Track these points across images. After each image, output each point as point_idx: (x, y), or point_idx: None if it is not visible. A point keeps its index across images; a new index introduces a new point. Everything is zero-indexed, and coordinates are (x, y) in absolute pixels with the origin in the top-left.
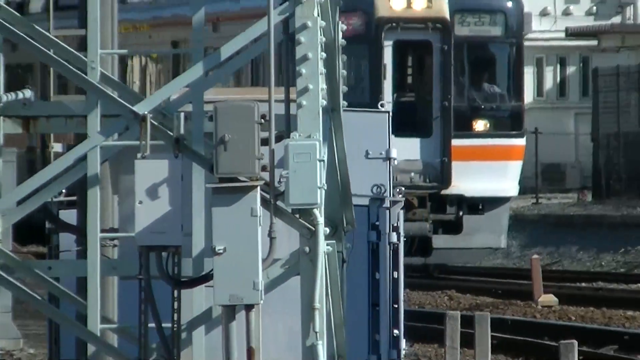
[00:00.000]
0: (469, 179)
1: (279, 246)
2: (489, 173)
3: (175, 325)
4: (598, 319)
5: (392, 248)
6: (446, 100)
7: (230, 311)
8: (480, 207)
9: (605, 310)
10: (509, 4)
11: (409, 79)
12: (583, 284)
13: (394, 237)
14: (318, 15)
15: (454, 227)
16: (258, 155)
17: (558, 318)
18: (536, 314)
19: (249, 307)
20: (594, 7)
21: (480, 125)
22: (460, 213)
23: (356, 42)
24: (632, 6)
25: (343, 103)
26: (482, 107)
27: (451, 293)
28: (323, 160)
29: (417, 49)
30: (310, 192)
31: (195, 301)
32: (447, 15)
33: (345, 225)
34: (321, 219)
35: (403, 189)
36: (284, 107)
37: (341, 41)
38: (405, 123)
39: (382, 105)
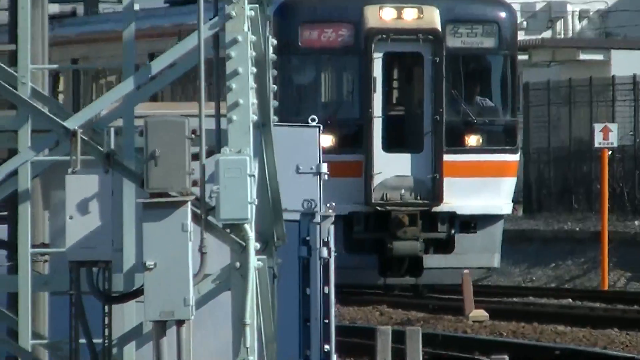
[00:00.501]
0: (461, 196)
1: (209, 261)
2: (482, 190)
3: (106, 341)
4: (529, 334)
5: (322, 263)
6: (438, 114)
7: (161, 326)
8: (473, 225)
9: (536, 325)
10: (503, 15)
11: (400, 92)
12: (514, 299)
13: (324, 252)
14: (248, 30)
15: (446, 246)
16: (189, 170)
17: (489, 333)
18: (467, 329)
19: (179, 323)
20: (525, 22)
21: (472, 140)
22: (452, 231)
23: (345, 54)
24: (562, 20)
25: (274, 118)
26: (475, 121)
27: (382, 308)
28: (253, 176)
29: (407, 61)
30: (240, 207)
31: (126, 316)
32: (439, 26)
33: (276, 240)
34: (252, 234)
35: (333, 204)
36: (214, 122)
37: (272, 56)
38: (395, 138)
39: (312, 120)
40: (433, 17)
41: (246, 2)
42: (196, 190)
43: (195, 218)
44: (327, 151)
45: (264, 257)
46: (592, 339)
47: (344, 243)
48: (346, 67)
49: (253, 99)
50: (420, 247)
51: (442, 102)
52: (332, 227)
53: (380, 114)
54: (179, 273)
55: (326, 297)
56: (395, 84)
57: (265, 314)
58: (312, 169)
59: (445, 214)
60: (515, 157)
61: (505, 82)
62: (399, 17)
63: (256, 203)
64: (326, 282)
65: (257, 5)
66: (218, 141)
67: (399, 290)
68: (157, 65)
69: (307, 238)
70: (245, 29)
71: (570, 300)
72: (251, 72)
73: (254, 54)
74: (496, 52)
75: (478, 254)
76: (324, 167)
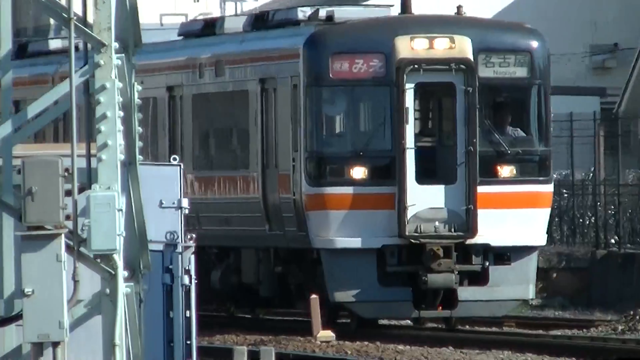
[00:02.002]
0: (495, 228)
1: (82, 288)
2: (515, 221)
3: None
4: (372, 352)
5: (184, 289)
6: (471, 145)
7: (38, 348)
8: (507, 256)
9: (378, 344)
10: (535, 44)
11: (431, 123)
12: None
13: (186, 280)
14: (115, 77)
15: (480, 278)
16: (62, 205)
17: (336, 352)
18: (315, 349)
19: (55, 344)
20: None
21: (506, 171)
22: (487, 263)
23: (376, 85)
24: None
25: (139, 157)
26: (509, 152)
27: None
28: (121, 210)
29: (439, 91)
30: (110, 239)
31: (6, 339)
32: (471, 56)
33: (142, 268)
34: (120, 263)
35: (194, 235)
36: (85, 161)
37: (137, 101)
38: (427, 169)
39: (174, 159)
40: (465, 47)
41: (113, 51)
42: (69, 223)
43: (69, 249)
44: (359, 183)
45: (132, 284)
46: (430, 357)
47: (377, 276)
48: (378, 98)
49: (120, 140)
50: (455, 279)
51: (475, 133)
52: (192, 257)
53: (412, 145)
54: (54, 299)
55: (188, 320)
56: (427, 114)
57: (133, 336)
58: (174, 203)
59: (479, 245)
60: (549, 188)
61: (538, 112)
62: (431, 47)
63: (124, 235)
64: (188, 306)
65: (124, 55)
66: (89, 179)
67: (430, 322)
68: (33, 110)
69: (170, 267)
70: (113, 76)
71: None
72: (118, 116)
73: (120, 99)
74: (529, 82)
75: (512, 285)
76: (185, 202)
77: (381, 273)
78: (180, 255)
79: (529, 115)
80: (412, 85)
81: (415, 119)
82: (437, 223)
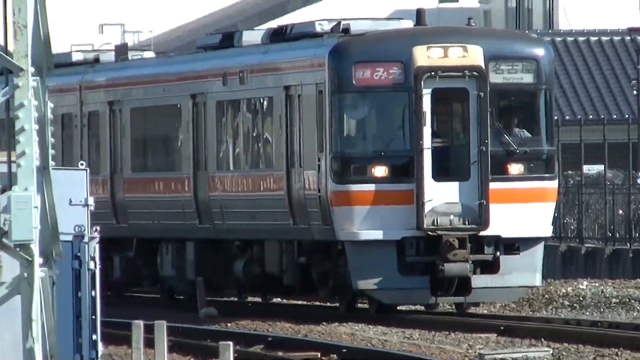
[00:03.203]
0: (505, 221)
1: (4, 273)
2: (524, 214)
3: None
4: (249, 325)
5: (90, 273)
6: (483, 145)
7: None
8: (516, 247)
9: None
10: (541, 52)
11: (446, 126)
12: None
13: (91, 265)
14: (32, 97)
15: (492, 267)
16: None
17: (217, 325)
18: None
19: None
20: None
21: (515, 168)
22: (498, 253)
23: (396, 91)
24: None
25: (52, 163)
26: (517, 151)
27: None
28: (37, 207)
29: (454, 96)
30: (27, 231)
31: None
32: (482, 64)
33: (54, 256)
34: (36, 252)
35: (98, 227)
36: (6, 167)
37: (49, 116)
38: (443, 167)
39: (81, 164)
40: (477, 55)
41: (30, 75)
42: None
43: None
44: (380, 181)
45: (46, 269)
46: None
47: (397, 266)
48: (397, 102)
49: (36, 149)
50: (470, 268)
51: (487, 134)
52: (97, 246)
53: (429, 146)
54: None
55: (93, 299)
56: (442, 117)
57: (48, 312)
58: (81, 201)
59: (491, 237)
60: (555, 184)
61: (544, 114)
62: (445, 55)
63: (39, 228)
64: (93, 287)
65: (39, 78)
66: (9, 181)
67: (443, 307)
68: None
69: (78, 254)
70: (30, 96)
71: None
72: (34, 129)
73: (36, 114)
74: (535, 87)
75: (521, 273)
76: (91, 200)
77: (401, 263)
78: (86, 245)
79: (535, 118)
80: (429, 90)
81: (431, 121)
82: (452, 216)
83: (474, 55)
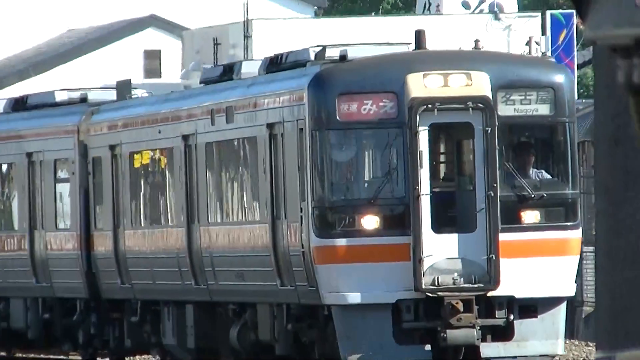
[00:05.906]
0: (520, 278)
1: None
2: (542, 270)
3: None
4: None
5: None
6: (491, 189)
7: None
8: (533, 309)
9: None
10: (559, 79)
11: (448, 167)
12: None
13: None
14: None
15: (505, 333)
16: None
17: None
18: None
19: None
20: None
21: (530, 216)
22: (511, 317)
23: (387, 127)
24: None
25: None
26: (532, 196)
27: None
28: None
29: (456, 132)
30: None
31: None
32: (489, 93)
33: None
34: None
35: None
36: None
37: None
38: (444, 216)
39: None
40: (482, 84)
41: None
42: None
43: None
44: (370, 233)
45: None
46: None
47: (393, 333)
48: (389, 141)
49: None
50: (477, 335)
51: (495, 176)
52: None
53: (428, 191)
54: None
55: None
56: (442, 157)
57: None
58: None
59: (502, 298)
60: (578, 234)
61: (564, 152)
62: (445, 84)
63: None
64: None
65: None
66: None
67: None
68: None
69: None
70: None
71: None
72: None
73: None
74: (553, 120)
75: (540, 340)
76: None
77: (397, 330)
78: None
79: (554, 156)
80: (426, 126)
81: (429, 163)
82: (455, 274)
83: (479, 83)
